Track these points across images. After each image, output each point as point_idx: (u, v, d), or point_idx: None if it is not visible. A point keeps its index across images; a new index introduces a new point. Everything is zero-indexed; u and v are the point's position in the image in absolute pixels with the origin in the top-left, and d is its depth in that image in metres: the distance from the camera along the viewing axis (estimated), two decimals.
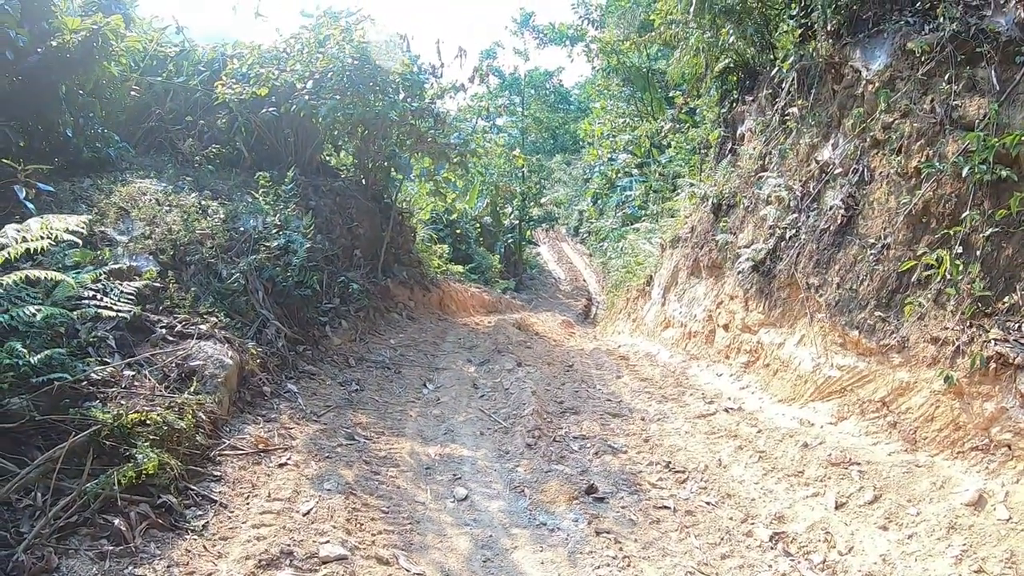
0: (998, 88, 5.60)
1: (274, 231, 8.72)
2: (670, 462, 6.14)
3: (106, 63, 8.21)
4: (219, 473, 4.93)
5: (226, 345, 6.35)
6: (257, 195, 9.36)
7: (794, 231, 7.99)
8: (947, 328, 5.48)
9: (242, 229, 8.51)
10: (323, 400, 7.14)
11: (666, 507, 5.30)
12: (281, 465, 5.31)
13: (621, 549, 4.62)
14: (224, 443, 5.34)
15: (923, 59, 6.34)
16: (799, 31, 8.86)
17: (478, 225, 25.85)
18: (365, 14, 11.83)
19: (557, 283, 30.76)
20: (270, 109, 11.15)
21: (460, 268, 19.65)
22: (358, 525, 4.58)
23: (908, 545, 4.49)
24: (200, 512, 4.39)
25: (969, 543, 4.30)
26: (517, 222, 29.54)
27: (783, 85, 9.17)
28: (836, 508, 5.06)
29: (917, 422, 5.56)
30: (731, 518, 5.12)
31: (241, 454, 5.29)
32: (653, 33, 14.53)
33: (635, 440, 6.72)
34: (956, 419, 5.24)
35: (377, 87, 11.38)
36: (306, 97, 10.74)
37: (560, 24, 36.47)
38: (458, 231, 23.06)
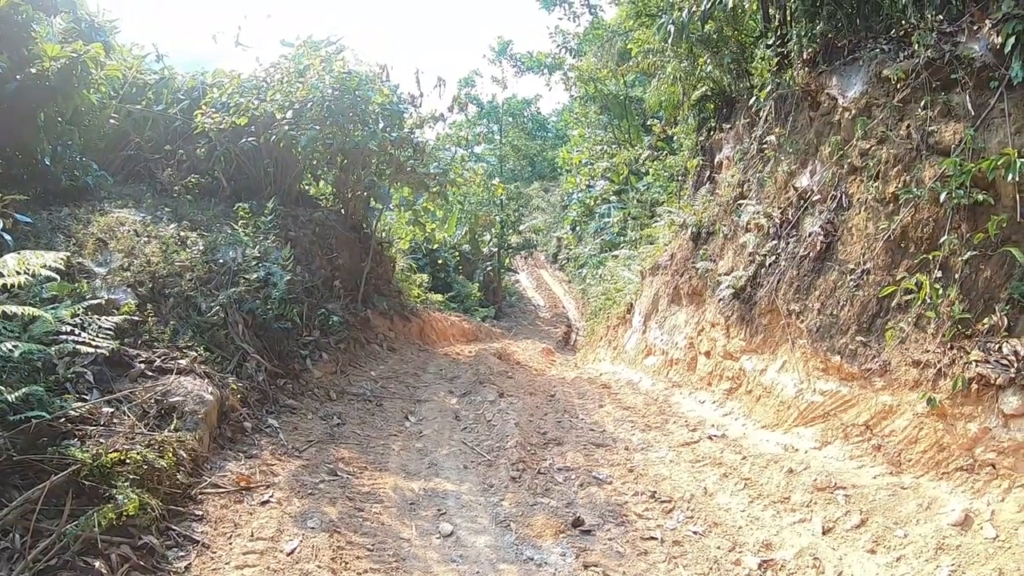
0: (973, 113, 5.68)
1: (254, 263, 8.63)
2: (656, 492, 6.10)
3: (85, 91, 8.18)
4: (201, 512, 4.83)
5: (206, 380, 6.26)
6: (236, 226, 9.31)
7: (774, 258, 8.04)
8: (928, 351, 5.52)
9: (221, 261, 8.42)
10: (305, 435, 7.03)
11: (653, 538, 5.26)
12: (264, 503, 5.22)
13: None
14: (205, 481, 5.25)
15: (899, 86, 6.45)
16: (775, 59, 8.98)
17: (457, 253, 25.84)
18: (345, 44, 11.91)
19: (536, 310, 30.72)
20: (250, 139, 11.13)
21: (440, 297, 19.58)
22: (343, 564, 4.50)
23: (897, 568, 4.48)
24: (182, 553, 4.31)
25: (958, 563, 4.31)
26: (496, 250, 29.51)
27: (760, 113, 9.29)
28: (823, 533, 5.05)
29: (901, 445, 5.58)
30: (719, 547, 5.09)
31: (223, 492, 5.20)
32: (631, 62, 14.72)
33: (620, 470, 6.68)
34: (940, 440, 5.26)
35: (357, 117, 11.37)
36: (286, 127, 10.72)
37: (538, 52, 36.69)
38: (438, 260, 23.03)
